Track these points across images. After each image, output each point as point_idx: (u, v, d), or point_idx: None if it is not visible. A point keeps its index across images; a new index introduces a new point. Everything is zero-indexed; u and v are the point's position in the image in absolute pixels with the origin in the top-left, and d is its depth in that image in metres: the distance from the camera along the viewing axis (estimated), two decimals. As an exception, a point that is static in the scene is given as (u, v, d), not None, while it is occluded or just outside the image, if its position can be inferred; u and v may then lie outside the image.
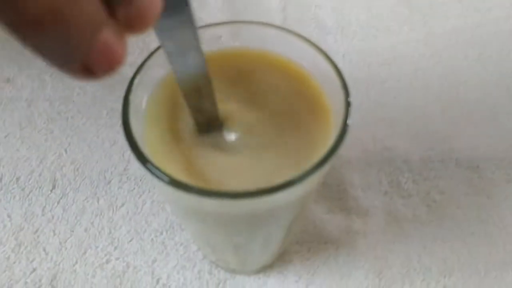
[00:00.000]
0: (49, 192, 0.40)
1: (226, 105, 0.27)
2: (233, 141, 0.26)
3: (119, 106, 0.43)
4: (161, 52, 0.26)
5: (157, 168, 0.22)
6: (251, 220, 0.25)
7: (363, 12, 0.53)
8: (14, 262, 0.37)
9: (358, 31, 0.51)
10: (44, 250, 0.38)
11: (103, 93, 0.46)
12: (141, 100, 0.26)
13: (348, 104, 0.24)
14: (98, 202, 0.40)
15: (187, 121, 0.26)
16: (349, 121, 0.24)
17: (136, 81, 0.25)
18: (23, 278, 0.36)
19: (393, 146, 0.43)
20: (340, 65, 0.47)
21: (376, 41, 0.50)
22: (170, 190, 0.22)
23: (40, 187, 0.41)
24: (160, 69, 0.27)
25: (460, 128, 0.44)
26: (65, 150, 0.42)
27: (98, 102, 0.46)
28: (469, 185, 0.41)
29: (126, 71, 0.47)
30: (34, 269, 0.37)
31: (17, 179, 0.41)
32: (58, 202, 0.40)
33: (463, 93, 0.46)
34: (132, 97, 0.24)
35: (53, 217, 0.39)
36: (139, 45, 0.50)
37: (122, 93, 0.45)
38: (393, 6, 0.54)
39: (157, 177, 0.21)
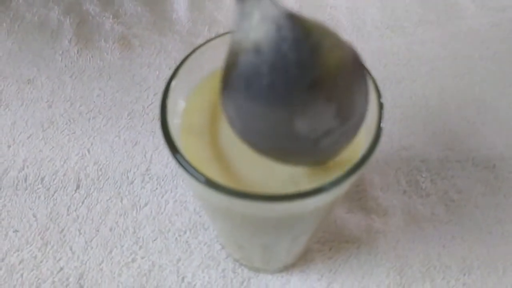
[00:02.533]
0: (74, 192, 0.41)
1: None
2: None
3: (138, 108, 0.44)
4: (197, 55, 0.27)
5: (192, 167, 0.22)
6: (279, 223, 0.25)
7: (377, 12, 0.54)
8: (41, 261, 0.38)
9: (373, 32, 0.52)
10: (71, 249, 0.39)
11: (122, 94, 0.47)
12: (175, 104, 0.27)
13: (381, 106, 0.25)
14: (121, 202, 0.41)
15: (223, 126, 0.27)
16: (382, 124, 0.24)
17: (173, 84, 0.25)
18: (50, 277, 0.37)
19: (410, 146, 0.44)
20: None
21: (391, 41, 0.51)
22: (204, 189, 0.22)
23: (64, 187, 0.41)
24: (197, 73, 0.28)
25: (476, 127, 0.45)
26: (88, 151, 0.43)
27: (117, 103, 0.46)
28: (486, 184, 0.42)
29: (143, 72, 0.48)
30: (61, 268, 0.38)
31: (42, 179, 0.42)
32: (83, 202, 0.41)
33: (478, 92, 0.47)
34: (169, 101, 0.25)
35: (78, 216, 0.40)
36: (157, 46, 0.51)
37: (139, 95, 0.46)
38: (407, 6, 0.55)
39: (193, 176, 0.22)
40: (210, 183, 0.22)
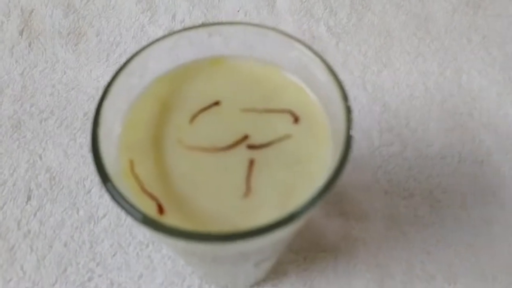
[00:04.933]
0: (24, 204, 0.38)
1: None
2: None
3: (95, 106, 0.41)
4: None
5: (131, 205, 0.19)
6: (234, 259, 0.23)
7: (357, -7, 0.50)
8: (-10, 283, 0.35)
9: (352, 14, 0.48)
10: (22, 268, 0.36)
11: (77, 92, 0.43)
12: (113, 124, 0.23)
13: (348, 111, 0.22)
14: (77, 213, 0.38)
15: (167, 142, 0.24)
16: (351, 133, 0.21)
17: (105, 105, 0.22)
18: (0, 300, 0.34)
19: (391, 142, 0.41)
20: (333, 53, 0.44)
21: (372, 26, 0.48)
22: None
23: (14, 199, 0.38)
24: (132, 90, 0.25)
25: (462, 120, 0.42)
26: (40, 157, 0.40)
27: (72, 102, 0.43)
28: (473, 182, 0.39)
29: (100, 66, 0.44)
30: (12, 290, 0.35)
31: (-11, 191, 0.39)
32: (35, 215, 0.38)
33: (465, 81, 0.44)
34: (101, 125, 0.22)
35: (29, 231, 0.37)
36: (116, 37, 0.47)
37: (96, 92, 0.42)
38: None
39: (131, 215, 0.19)
40: (148, 221, 0.19)
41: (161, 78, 0.26)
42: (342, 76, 0.43)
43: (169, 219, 0.22)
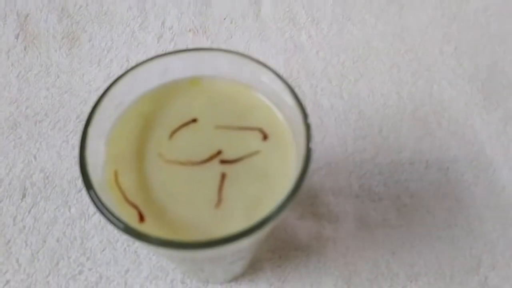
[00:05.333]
0: (20, 201, 0.41)
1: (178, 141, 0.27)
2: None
3: (88, 110, 0.43)
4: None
5: (112, 214, 0.22)
6: (210, 260, 0.26)
7: (338, 4, 0.53)
8: (-13, 275, 0.38)
9: (333, 24, 0.51)
10: (17, 261, 0.39)
11: (70, 96, 0.46)
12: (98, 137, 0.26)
13: (308, 128, 0.25)
14: (69, 211, 0.41)
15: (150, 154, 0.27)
16: (311, 145, 0.24)
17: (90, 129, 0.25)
18: (-4, 291, 0.37)
19: (364, 149, 0.44)
20: (313, 62, 0.47)
21: (351, 36, 0.50)
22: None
23: (10, 196, 0.41)
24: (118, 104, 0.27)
25: (432, 128, 0.45)
26: (34, 157, 0.43)
27: (66, 105, 0.45)
28: (439, 187, 0.42)
29: (92, 70, 0.46)
30: (8, 281, 0.38)
31: (-14, 188, 0.41)
32: (29, 212, 0.40)
33: (436, 91, 0.47)
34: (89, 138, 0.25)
35: (24, 227, 0.40)
36: (107, 42, 0.50)
37: (88, 96, 0.45)
38: (370, -4, 0.54)
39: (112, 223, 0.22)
40: (129, 230, 0.22)
41: (145, 96, 0.28)
42: (321, 84, 0.46)
43: (149, 226, 0.24)
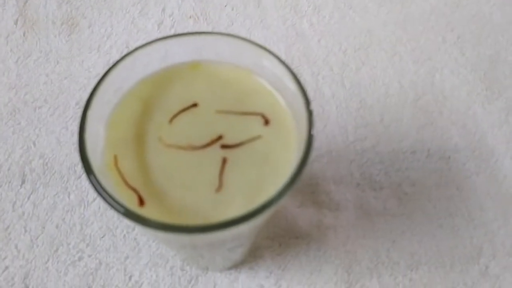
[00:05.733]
0: (19, 187, 0.41)
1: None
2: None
3: (86, 95, 0.43)
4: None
5: (112, 197, 0.22)
6: (210, 245, 0.26)
7: (341, -9, 0.52)
8: (-14, 261, 0.38)
9: (335, 13, 0.51)
10: (16, 247, 0.38)
11: (69, 82, 0.46)
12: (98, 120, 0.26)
13: (310, 114, 0.24)
14: (69, 197, 0.40)
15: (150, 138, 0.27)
16: (313, 132, 0.24)
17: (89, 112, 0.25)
18: (-5, 276, 0.37)
19: (365, 137, 0.43)
20: (315, 51, 0.47)
21: (353, 24, 0.50)
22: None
23: (9, 182, 0.41)
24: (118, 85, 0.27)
25: (433, 117, 0.45)
26: (33, 143, 0.42)
27: (65, 91, 0.45)
28: (440, 176, 0.42)
29: (92, 57, 0.46)
30: (7, 267, 0.38)
31: (-15, 174, 0.41)
32: (29, 198, 0.40)
33: (438, 80, 0.47)
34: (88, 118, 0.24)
35: (23, 213, 0.40)
36: (107, 28, 0.49)
37: (88, 82, 0.45)
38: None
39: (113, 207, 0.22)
40: (129, 214, 0.22)
41: (145, 80, 0.28)
42: (323, 72, 0.46)
43: (149, 210, 0.24)
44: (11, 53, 0.47)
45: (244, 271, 0.38)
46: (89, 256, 0.38)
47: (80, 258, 0.38)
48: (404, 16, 0.51)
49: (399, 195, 0.41)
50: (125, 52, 0.47)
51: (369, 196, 0.41)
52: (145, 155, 0.26)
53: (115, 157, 0.26)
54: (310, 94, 0.45)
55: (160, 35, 0.49)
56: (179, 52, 0.28)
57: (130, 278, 0.37)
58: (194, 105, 0.27)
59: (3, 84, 0.46)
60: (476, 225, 0.40)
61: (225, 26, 0.50)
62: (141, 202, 0.24)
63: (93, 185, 0.23)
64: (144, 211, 0.24)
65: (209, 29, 0.50)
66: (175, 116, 0.27)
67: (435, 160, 0.43)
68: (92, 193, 0.41)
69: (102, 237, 0.39)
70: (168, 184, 0.25)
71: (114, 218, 0.40)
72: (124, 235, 0.39)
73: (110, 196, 0.22)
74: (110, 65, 0.46)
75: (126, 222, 0.39)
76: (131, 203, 0.24)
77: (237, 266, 0.38)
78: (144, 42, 0.48)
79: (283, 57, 0.46)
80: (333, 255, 0.39)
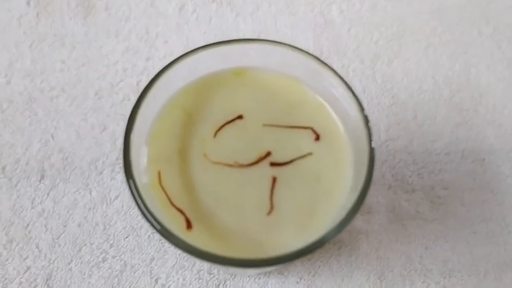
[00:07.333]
0: (38, 182, 0.40)
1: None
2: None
3: (106, 85, 0.42)
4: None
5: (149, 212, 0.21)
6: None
7: (372, -24, 0.50)
8: (7, 260, 0.37)
9: (366, 1, 0.49)
10: (37, 246, 0.38)
11: (87, 69, 0.44)
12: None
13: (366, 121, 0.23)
14: (90, 194, 0.39)
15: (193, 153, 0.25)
16: (373, 145, 0.23)
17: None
18: (17, 277, 0.37)
19: (398, 136, 0.42)
20: (345, 39, 0.45)
21: (384, 12, 0.48)
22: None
23: (27, 177, 0.40)
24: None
25: (468, 116, 0.44)
26: (52, 136, 0.41)
27: (83, 80, 0.43)
28: (474, 179, 0.41)
29: (110, 42, 0.44)
30: (28, 268, 0.37)
31: (3, 168, 0.40)
32: (48, 194, 0.39)
33: (474, 76, 0.45)
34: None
35: (43, 210, 0.39)
36: (125, 11, 0.47)
37: (106, 70, 0.43)
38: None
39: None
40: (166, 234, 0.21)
41: (186, 89, 0.27)
42: (353, 65, 0.44)
43: (197, 234, 0.23)
44: (24, 37, 0.45)
45: (274, 276, 0.37)
46: (113, 257, 0.37)
47: (104, 259, 0.37)
48: (438, 5, 0.49)
49: (432, 199, 0.40)
50: (145, 38, 0.46)
51: (401, 199, 0.40)
52: (190, 172, 0.25)
53: (159, 174, 0.24)
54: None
55: (181, 20, 0.47)
56: (222, 59, 0.27)
57: (156, 281, 0.37)
58: (240, 117, 0.26)
59: (17, 70, 0.44)
60: (511, 230, 0.39)
61: (249, 12, 0.48)
62: (189, 225, 0.23)
63: (140, 210, 0.22)
64: (192, 236, 0.23)
65: (233, 15, 0.48)
66: (219, 129, 0.26)
67: (469, 162, 0.42)
68: (114, 191, 0.40)
69: (126, 238, 0.38)
70: (216, 205, 0.24)
71: (138, 217, 0.39)
72: (149, 236, 0.38)
73: (158, 222, 0.21)
74: (130, 52, 0.45)
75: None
76: (179, 226, 0.23)
77: (266, 272, 0.37)
78: (165, 26, 0.46)
79: (311, 48, 0.45)
80: (365, 261, 0.38)
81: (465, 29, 0.48)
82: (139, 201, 0.22)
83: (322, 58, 0.45)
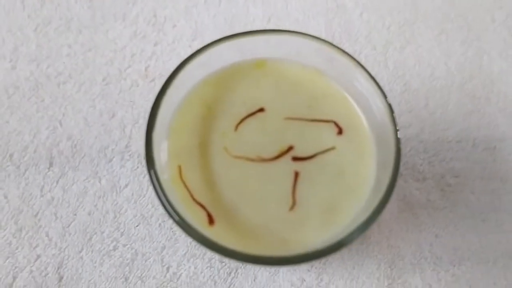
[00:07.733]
0: (47, 170, 0.39)
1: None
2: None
3: (114, 71, 0.41)
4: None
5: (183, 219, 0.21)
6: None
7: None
8: (17, 248, 0.37)
9: (378, -16, 0.48)
10: (47, 235, 0.37)
11: (94, 54, 0.43)
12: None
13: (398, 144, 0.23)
14: (100, 182, 0.39)
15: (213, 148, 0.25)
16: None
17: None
18: (28, 265, 0.36)
19: (409, 124, 0.42)
20: (357, 25, 0.45)
21: (397, -4, 0.47)
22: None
23: (36, 165, 0.39)
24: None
25: (480, 104, 0.43)
26: (60, 123, 0.41)
27: (90, 65, 0.43)
28: (485, 167, 0.41)
29: (117, 26, 0.43)
30: (39, 256, 0.37)
31: (11, 155, 0.39)
32: (57, 182, 0.39)
33: (486, 63, 0.45)
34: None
35: (53, 198, 0.38)
36: None
37: (114, 55, 0.42)
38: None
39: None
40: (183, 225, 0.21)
41: (206, 81, 0.26)
42: (365, 51, 0.44)
43: (219, 229, 0.23)
44: (29, 20, 0.44)
45: (285, 264, 0.37)
46: (124, 245, 0.37)
47: (115, 248, 0.37)
48: (451, -10, 0.48)
49: (442, 187, 0.41)
50: (152, 22, 0.45)
51: (412, 187, 0.40)
52: (211, 166, 0.25)
53: (180, 168, 0.24)
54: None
55: (190, 3, 0.46)
56: (241, 50, 0.26)
57: (167, 269, 0.37)
58: (261, 109, 0.26)
59: (23, 55, 0.43)
60: (520, 220, 0.40)
61: (259, -5, 0.47)
62: (211, 220, 0.23)
63: (163, 205, 0.21)
64: (214, 231, 0.23)
65: (242, -2, 0.47)
66: (240, 122, 0.26)
67: (480, 150, 0.42)
68: (124, 179, 0.39)
69: (137, 226, 0.38)
70: (238, 201, 0.24)
71: (149, 205, 0.39)
72: (160, 224, 0.38)
73: (181, 218, 0.21)
74: (137, 36, 0.44)
75: (161, 210, 0.38)
76: (200, 221, 0.23)
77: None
78: (173, 10, 0.46)
79: (323, 34, 0.45)
80: (376, 249, 0.38)
81: (478, 15, 0.47)
82: (162, 196, 0.21)
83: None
